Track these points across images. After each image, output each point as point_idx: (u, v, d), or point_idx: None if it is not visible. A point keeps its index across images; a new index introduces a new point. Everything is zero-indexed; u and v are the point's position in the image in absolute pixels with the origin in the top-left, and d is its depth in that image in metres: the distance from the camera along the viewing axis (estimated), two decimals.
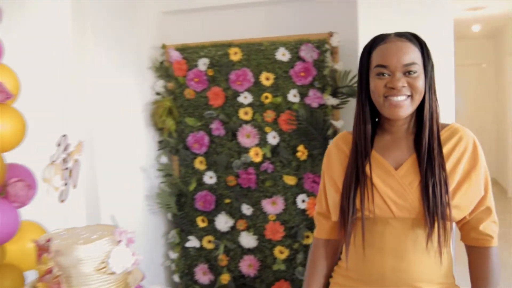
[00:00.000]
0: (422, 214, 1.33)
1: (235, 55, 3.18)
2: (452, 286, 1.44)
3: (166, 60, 3.34)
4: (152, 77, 3.37)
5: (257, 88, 3.18)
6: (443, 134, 1.39)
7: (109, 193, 2.82)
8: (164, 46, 3.34)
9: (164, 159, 3.36)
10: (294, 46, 3.09)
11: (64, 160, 1.54)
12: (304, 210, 3.16)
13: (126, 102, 3.09)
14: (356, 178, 1.40)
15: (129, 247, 1.52)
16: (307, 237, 3.15)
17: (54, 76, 2.44)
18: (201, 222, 3.35)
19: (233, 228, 3.31)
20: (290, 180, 3.17)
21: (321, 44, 3.05)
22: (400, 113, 1.35)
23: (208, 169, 3.32)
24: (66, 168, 1.54)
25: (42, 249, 1.45)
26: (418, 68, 1.34)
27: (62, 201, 1.55)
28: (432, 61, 1.38)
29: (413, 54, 1.34)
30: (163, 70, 3.31)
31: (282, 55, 3.11)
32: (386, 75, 1.36)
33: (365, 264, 1.41)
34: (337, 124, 3.04)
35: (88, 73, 2.72)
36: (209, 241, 3.35)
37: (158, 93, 3.35)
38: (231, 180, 3.27)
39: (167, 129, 3.28)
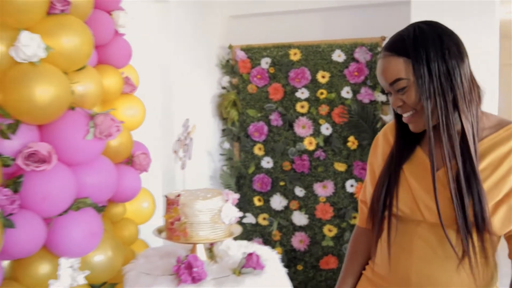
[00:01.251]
0: (453, 222, 1.20)
1: (295, 55, 3.59)
2: None
3: (232, 59, 3.78)
4: (219, 74, 3.81)
5: (313, 85, 3.58)
6: (501, 134, 1.19)
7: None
8: (230, 47, 3.78)
9: (226, 145, 3.80)
10: (349, 48, 3.48)
11: (185, 138, 1.97)
12: (352, 194, 3.54)
13: (196, 94, 3.53)
14: (394, 173, 1.30)
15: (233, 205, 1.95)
16: (354, 217, 3.53)
17: (153, 72, 2.88)
18: (257, 201, 3.78)
19: (286, 207, 3.72)
20: (340, 166, 3.56)
21: (374, 47, 3.42)
22: (414, 129, 1.24)
23: (265, 155, 3.74)
24: (186, 144, 1.98)
25: (172, 203, 1.88)
26: (406, 83, 1.18)
27: (183, 169, 1.98)
28: (432, 63, 1.16)
29: (395, 69, 1.19)
30: (229, 67, 3.75)
31: (338, 56, 3.50)
32: (390, 93, 1.26)
33: (390, 263, 1.31)
34: (386, 118, 3.40)
35: (171, 68, 3.17)
36: (264, 218, 3.77)
37: (223, 88, 3.79)
38: (286, 165, 3.68)
39: (230, 119, 3.71)
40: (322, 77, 3.55)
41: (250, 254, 1.85)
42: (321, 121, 3.57)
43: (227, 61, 3.78)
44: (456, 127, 1.17)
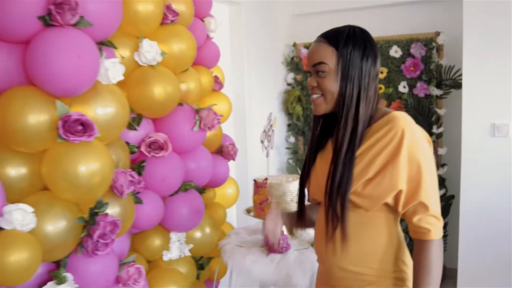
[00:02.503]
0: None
1: None
2: (363, 275, 1.36)
3: (296, 56, 4.02)
4: (285, 71, 4.06)
5: None
6: (380, 123, 1.30)
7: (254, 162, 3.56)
8: (295, 44, 4.02)
9: (292, 139, 4.04)
10: (405, 44, 3.66)
11: (268, 130, 2.24)
12: None
13: (265, 91, 3.79)
14: (309, 160, 1.48)
15: None
16: None
17: (227, 70, 3.15)
18: None
19: None
20: None
21: (429, 42, 3.59)
22: (317, 110, 1.36)
23: None
24: (269, 135, 2.24)
25: (260, 186, 2.15)
26: (327, 68, 1.30)
27: (267, 156, 2.25)
28: (352, 60, 1.30)
29: (322, 54, 1.32)
30: (294, 64, 4.00)
31: (395, 52, 3.69)
32: (309, 75, 1.38)
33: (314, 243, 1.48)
34: (441, 111, 3.57)
35: (243, 66, 3.45)
36: None
37: (289, 84, 4.03)
38: None
39: (295, 114, 3.95)
40: (381, 72, 3.74)
41: None
42: None
43: (292, 58, 4.02)
44: (352, 118, 1.30)
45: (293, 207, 2.15)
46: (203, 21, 2.31)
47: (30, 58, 1.41)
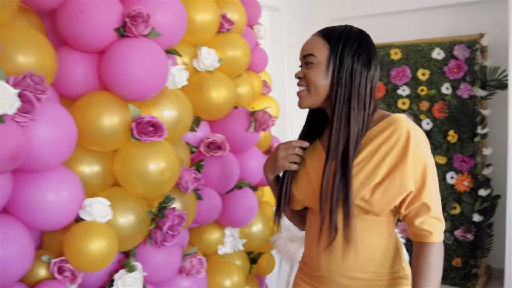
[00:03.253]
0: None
1: (396, 54, 3.86)
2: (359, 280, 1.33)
3: None
4: None
5: (414, 82, 3.83)
6: (380, 126, 1.26)
7: None
8: None
9: None
10: (448, 46, 3.70)
11: None
12: (452, 185, 3.75)
13: None
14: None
15: None
16: (454, 208, 3.74)
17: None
18: None
19: None
20: (441, 159, 3.78)
21: (472, 44, 3.61)
22: (300, 103, 1.34)
23: None
24: None
25: None
26: (315, 60, 1.28)
27: None
28: (343, 57, 1.27)
29: (313, 46, 1.30)
30: None
31: (437, 54, 3.72)
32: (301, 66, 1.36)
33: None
34: (485, 112, 3.59)
35: (283, 70, 3.56)
36: None
37: None
38: None
39: None
40: (422, 74, 3.78)
41: None
42: (422, 116, 3.81)
43: None
44: (345, 121, 1.26)
45: None
46: (252, 28, 2.44)
47: (106, 66, 1.56)
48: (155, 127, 1.60)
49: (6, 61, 1.29)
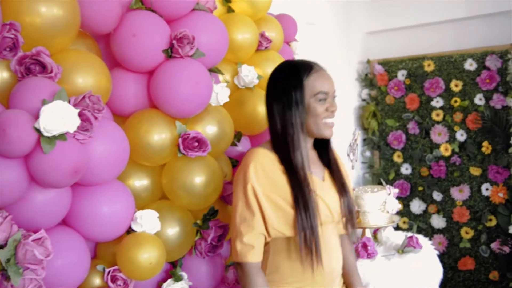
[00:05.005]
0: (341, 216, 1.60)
1: (429, 66, 3.88)
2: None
3: (370, 73, 4.15)
4: (359, 87, 4.20)
5: (447, 94, 3.84)
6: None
7: None
8: (369, 61, 4.16)
9: (368, 154, 4.16)
10: (480, 57, 3.70)
11: (353, 144, 2.41)
12: (488, 197, 3.72)
13: (340, 107, 3.92)
14: (302, 192, 1.44)
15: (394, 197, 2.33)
16: (490, 220, 3.70)
17: None
18: None
19: (425, 211, 3.98)
20: (475, 171, 3.76)
21: (504, 54, 3.61)
22: (331, 133, 1.58)
23: (404, 161, 4.05)
24: (354, 149, 2.41)
25: None
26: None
27: (352, 168, 2.41)
28: None
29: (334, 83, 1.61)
30: (368, 80, 4.13)
31: (470, 65, 3.73)
32: (326, 100, 1.54)
33: (318, 267, 1.46)
34: None
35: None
36: (404, 222, 4.06)
37: (363, 100, 4.17)
38: (424, 171, 3.96)
39: (371, 129, 4.08)
40: (455, 85, 3.79)
41: (411, 237, 2.23)
42: (456, 128, 3.81)
43: (366, 75, 4.16)
44: None
45: (380, 216, 2.28)
46: (289, 45, 2.51)
47: (155, 85, 1.65)
48: (199, 143, 1.68)
49: (67, 83, 1.40)
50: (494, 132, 3.65)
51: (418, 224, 3.97)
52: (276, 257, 1.49)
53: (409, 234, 2.34)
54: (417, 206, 3.99)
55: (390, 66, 4.04)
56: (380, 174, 4.09)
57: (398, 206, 2.34)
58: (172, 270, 1.75)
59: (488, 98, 3.68)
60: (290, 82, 1.50)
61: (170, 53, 1.66)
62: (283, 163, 1.48)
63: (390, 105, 4.06)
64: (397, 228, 4.06)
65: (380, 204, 2.29)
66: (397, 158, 4.07)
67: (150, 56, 1.63)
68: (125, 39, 1.60)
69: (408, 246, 2.22)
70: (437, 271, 2.25)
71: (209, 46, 1.75)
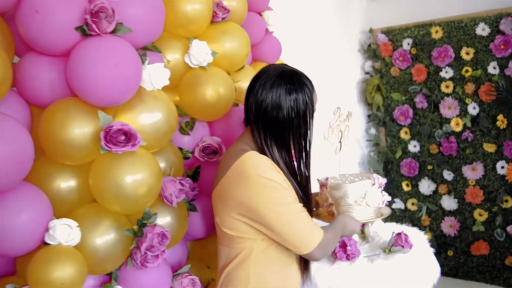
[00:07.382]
0: None
1: (437, 33, 3.51)
2: None
3: (373, 43, 3.80)
4: (362, 59, 3.85)
5: (457, 63, 3.47)
6: None
7: None
8: (371, 30, 3.80)
9: (373, 131, 3.84)
10: (493, 20, 3.32)
11: (338, 125, 2.10)
12: (503, 176, 3.39)
13: (341, 81, 3.62)
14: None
15: (380, 189, 2.02)
16: (506, 201, 3.38)
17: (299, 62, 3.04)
18: (405, 186, 3.77)
19: (435, 192, 3.67)
20: (489, 147, 3.42)
21: None
22: None
23: (412, 138, 3.72)
24: (340, 131, 2.10)
25: (323, 185, 2.02)
26: None
27: (336, 154, 2.11)
28: None
29: None
30: (371, 51, 3.78)
31: (482, 30, 3.35)
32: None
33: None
34: None
35: (316, 58, 3.30)
36: (413, 203, 3.76)
37: (367, 73, 3.83)
38: (433, 148, 3.63)
39: (375, 104, 3.75)
40: (466, 53, 3.43)
41: (399, 234, 1.92)
42: (467, 100, 3.46)
43: (369, 45, 3.82)
44: None
45: (355, 210, 1.99)
46: (261, 15, 2.20)
47: (69, 69, 1.38)
48: (127, 136, 1.42)
49: None
50: (510, 104, 3.29)
51: (428, 205, 3.68)
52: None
53: (398, 229, 2.04)
54: (426, 187, 3.68)
55: (395, 34, 3.68)
56: (386, 153, 3.78)
57: (382, 199, 2.02)
58: (106, 283, 1.51)
59: (503, 67, 3.32)
60: (313, 107, 1.58)
61: (87, 30, 1.38)
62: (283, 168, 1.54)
63: (396, 78, 3.72)
64: (405, 210, 3.77)
65: (359, 197, 1.99)
66: (404, 134, 3.74)
67: (60, 35, 1.36)
68: (28, 16, 1.33)
69: (395, 245, 1.92)
70: (431, 272, 1.95)
71: (138, 20, 1.46)
